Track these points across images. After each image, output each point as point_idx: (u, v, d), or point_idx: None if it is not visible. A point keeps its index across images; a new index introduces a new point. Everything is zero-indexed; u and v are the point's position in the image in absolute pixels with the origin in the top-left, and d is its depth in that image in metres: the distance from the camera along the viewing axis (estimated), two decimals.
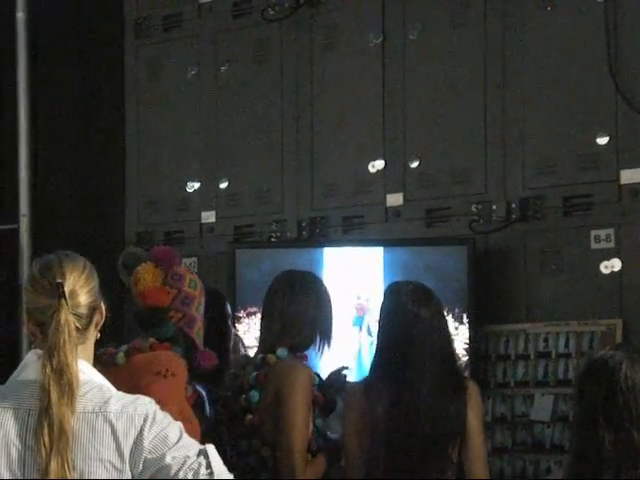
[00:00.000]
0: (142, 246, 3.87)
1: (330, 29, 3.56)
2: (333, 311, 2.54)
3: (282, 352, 2.41)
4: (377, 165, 3.43)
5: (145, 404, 1.61)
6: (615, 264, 3.00)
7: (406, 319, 2.41)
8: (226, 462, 2.24)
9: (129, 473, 1.56)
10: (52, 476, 1.51)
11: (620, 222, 3.03)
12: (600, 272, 3.03)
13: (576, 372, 2.87)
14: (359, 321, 3.28)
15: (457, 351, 3.08)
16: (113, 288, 4.31)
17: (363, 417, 2.40)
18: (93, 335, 1.68)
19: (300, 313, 2.45)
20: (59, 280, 1.60)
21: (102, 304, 1.70)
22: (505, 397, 3.13)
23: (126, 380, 2.19)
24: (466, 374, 3.05)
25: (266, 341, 2.47)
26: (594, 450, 1.73)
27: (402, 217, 3.39)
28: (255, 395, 2.39)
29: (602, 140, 3.06)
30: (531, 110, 3.20)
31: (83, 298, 1.63)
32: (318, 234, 3.55)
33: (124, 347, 2.28)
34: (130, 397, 1.61)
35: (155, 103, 3.90)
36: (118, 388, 2.20)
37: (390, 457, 2.38)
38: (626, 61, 3.05)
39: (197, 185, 3.79)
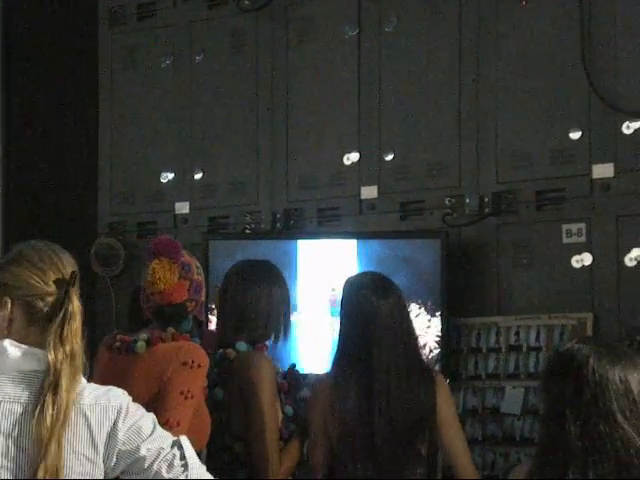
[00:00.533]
0: (115, 237, 3.86)
1: (306, 20, 3.55)
2: (289, 300, 2.52)
3: (241, 345, 2.40)
4: (352, 157, 3.43)
5: (119, 396, 1.60)
6: (586, 258, 3.03)
7: (365, 311, 2.40)
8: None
9: (102, 466, 1.56)
10: (49, 459, 1.51)
11: (591, 216, 3.06)
12: (571, 266, 3.05)
13: (543, 365, 2.90)
14: (335, 312, 3.28)
15: (429, 344, 3.13)
16: (85, 278, 4.29)
17: (332, 409, 2.40)
18: None
19: (253, 305, 2.42)
20: (71, 269, 1.66)
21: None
22: (476, 390, 3.15)
23: (147, 368, 2.20)
24: (437, 367, 3.08)
25: (223, 336, 2.44)
26: (561, 443, 1.74)
27: (376, 210, 3.40)
28: (219, 392, 2.38)
29: (575, 135, 3.08)
30: (505, 104, 3.22)
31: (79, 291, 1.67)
32: (292, 226, 3.54)
33: (143, 335, 2.27)
34: (103, 388, 1.60)
35: (129, 93, 3.87)
36: (137, 376, 2.21)
37: (361, 450, 2.39)
38: (599, 56, 3.07)
39: (171, 176, 3.77)
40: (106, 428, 1.56)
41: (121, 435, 1.56)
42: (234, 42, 3.68)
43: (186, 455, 1.60)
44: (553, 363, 1.83)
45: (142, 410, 1.62)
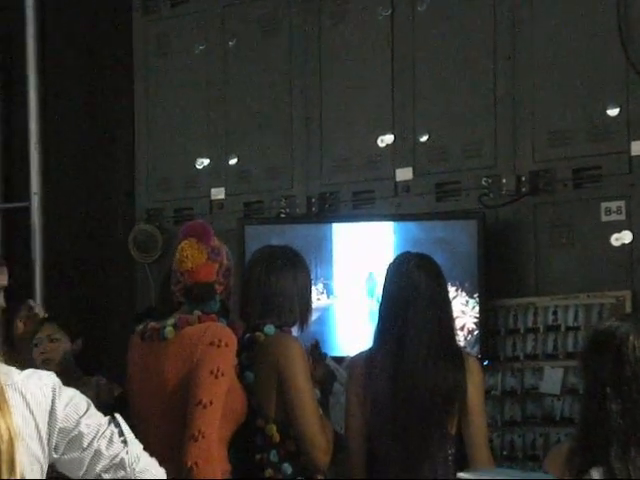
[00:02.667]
0: (152, 223, 3.89)
1: (338, 3, 3.54)
2: (311, 287, 2.53)
3: (269, 329, 2.40)
4: (386, 139, 3.42)
5: (48, 375, 1.55)
6: (626, 236, 2.98)
7: (405, 289, 2.41)
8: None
9: (46, 447, 1.51)
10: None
11: (631, 194, 3.01)
12: (610, 245, 3.01)
13: (582, 344, 2.87)
14: (371, 293, 3.28)
15: (467, 325, 3.11)
16: (124, 264, 4.36)
17: (365, 388, 2.41)
18: None
19: (279, 289, 2.43)
20: None
21: None
22: (515, 371, 3.13)
23: (177, 352, 2.24)
24: (476, 348, 3.07)
25: (250, 320, 2.45)
26: (602, 422, 1.73)
27: (412, 192, 3.38)
28: (249, 376, 2.39)
29: (613, 111, 3.03)
30: (541, 82, 3.17)
31: None
32: (327, 210, 3.54)
33: (170, 321, 2.30)
34: (28, 370, 1.54)
35: (164, 80, 3.89)
36: (169, 361, 2.24)
37: (391, 430, 2.39)
38: (637, 32, 3.01)
39: (206, 162, 3.79)
40: (44, 407, 1.51)
41: (60, 412, 1.52)
42: (266, 27, 3.68)
43: (124, 431, 1.57)
44: (592, 341, 1.81)
45: (72, 389, 1.57)
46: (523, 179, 3.18)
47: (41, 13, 4.04)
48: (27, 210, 4.01)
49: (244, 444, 2.37)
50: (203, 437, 2.14)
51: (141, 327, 2.39)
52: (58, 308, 4.00)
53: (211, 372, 2.18)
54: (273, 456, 2.38)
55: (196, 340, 2.23)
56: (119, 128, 4.03)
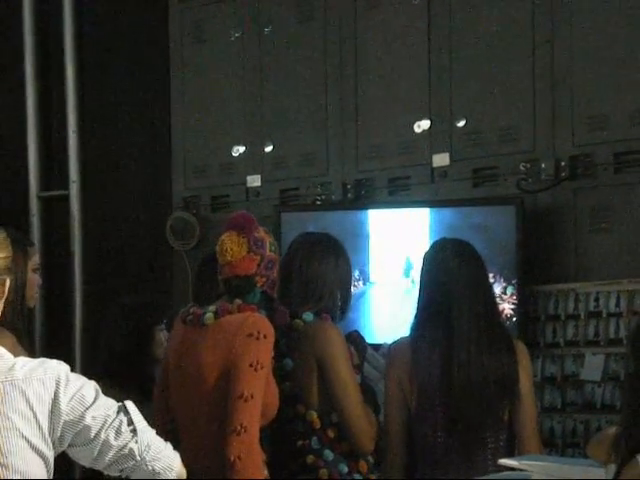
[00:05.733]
0: (189, 211, 3.91)
1: None
2: (351, 273, 2.53)
3: (308, 316, 2.41)
4: (423, 125, 3.39)
5: (53, 366, 1.52)
6: None
7: (446, 275, 2.40)
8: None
9: (49, 440, 1.49)
10: None
11: None
12: None
13: (629, 329, 2.84)
14: (408, 274, 3.27)
15: (506, 311, 3.09)
16: (162, 252, 4.39)
17: (409, 374, 2.41)
18: None
19: (318, 277, 2.43)
20: None
21: (7, 281, 1.55)
22: (555, 357, 3.10)
23: (215, 340, 2.25)
24: (514, 335, 3.05)
25: (289, 307, 2.45)
26: None
27: (448, 177, 3.36)
28: (289, 363, 2.39)
29: None
30: (580, 65, 3.13)
31: None
32: (363, 196, 3.53)
33: (211, 308, 2.31)
34: (35, 361, 1.52)
35: (200, 67, 3.90)
36: (206, 347, 2.25)
37: (443, 417, 2.39)
38: None
39: (242, 149, 3.80)
40: (47, 401, 1.48)
41: (64, 405, 1.49)
42: (302, 12, 3.67)
43: (134, 420, 1.54)
44: (639, 327, 1.79)
45: (83, 379, 1.54)
46: (562, 164, 3.14)
47: (77, 2, 4.07)
48: (66, 198, 4.05)
49: (283, 431, 2.38)
50: (245, 431, 2.15)
51: (184, 310, 2.40)
52: (96, 295, 4.05)
53: (251, 365, 2.19)
54: (314, 443, 2.39)
55: (235, 330, 2.24)
56: (156, 116, 4.05)
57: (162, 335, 3.00)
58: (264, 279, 2.32)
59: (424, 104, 3.40)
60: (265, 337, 2.22)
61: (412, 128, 3.41)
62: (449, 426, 2.38)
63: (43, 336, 4.06)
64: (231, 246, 2.29)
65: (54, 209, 4.16)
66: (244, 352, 2.20)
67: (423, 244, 3.16)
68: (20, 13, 4.17)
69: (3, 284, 1.53)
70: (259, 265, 2.30)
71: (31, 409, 1.48)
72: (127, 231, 4.11)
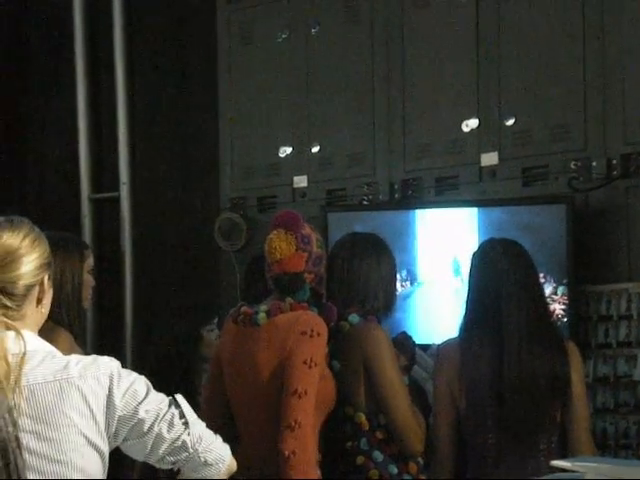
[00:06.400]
0: (236, 212, 3.94)
1: None
2: (396, 273, 2.51)
3: (354, 318, 2.40)
4: (471, 124, 3.37)
5: (106, 363, 1.55)
6: None
7: (495, 275, 2.38)
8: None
9: (105, 435, 1.52)
10: None
11: None
12: None
13: None
14: (458, 272, 3.25)
15: (557, 312, 3.05)
16: (210, 253, 4.43)
17: (459, 375, 2.39)
18: (36, 312, 1.55)
19: (362, 277, 2.42)
20: None
21: (46, 278, 1.56)
22: (607, 358, 3.05)
23: (269, 339, 2.27)
24: (566, 335, 3.01)
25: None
26: None
27: (497, 177, 3.33)
28: (336, 364, 2.39)
29: None
30: (632, 62, 3.08)
31: (15, 274, 1.50)
32: (410, 196, 3.52)
33: (263, 307, 2.33)
34: (88, 358, 1.55)
35: (247, 68, 3.92)
36: (260, 347, 2.27)
37: (496, 418, 2.37)
38: None
39: (289, 150, 3.81)
40: (102, 397, 1.51)
41: (118, 401, 1.51)
42: (349, 13, 3.67)
43: (185, 412, 1.56)
44: None
45: (134, 374, 1.56)
46: (614, 162, 3.09)
47: (127, 3, 4.12)
48: (116, 200, 4.11)
49: (333, 432, 2.38)
50: (299, 427, 2.16)
51: (234, 310, 2.42)
52: (147, 297, 4.10)
53: (304, 362, 2.20)
54: (364, 444, 2.38)
55: (288, 328, 2.25)
56: (204, 117, 4.08)
57: (211, 335, 3.03)
58: (312, 275, 2.34)
59: (472, 103, 3.37)
60: (318, 335, 2.24)
61: (460, 127, 3.38)
62: (500, 427, 2.36)
63: (95, 336, 4.13)
64: (279, 244, 2.30)
65: (105, 211, 4.23)
66: (298, 350, 2.21)
67: (471, 244, 3.14)
68: (71, 16, 4.25)
69: (42, 282, 1.56)
70: (307, 262, 2.32)
71: (87, 405, 1.50)
72: (176, 232, 4.15)
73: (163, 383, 2.50)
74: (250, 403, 2.33)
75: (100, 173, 4.26)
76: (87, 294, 2.58)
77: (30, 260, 1.53)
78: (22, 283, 1.52)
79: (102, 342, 4.11)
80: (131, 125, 4.11)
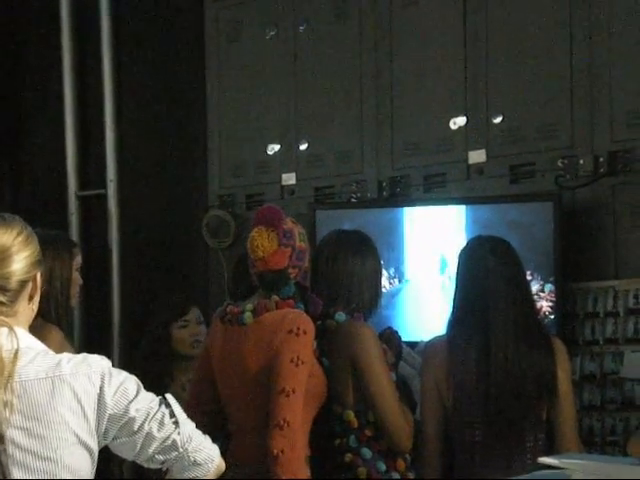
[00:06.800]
0: (224, 209, 3.94)
1: None
2: (381, 271, 2.51)
3: (340, 316, 2.41)
4: (459, 121, 3.38)
5: (97, 361, 1.55)
6: None
7: (482, 272, 2.39)
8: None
9: (95, 434, 1.52)
10: None
11: None
12: None
13: None
14: (444, 271, 3.26)
15: (543, 309, 3.06)
16: (198, 250, 4.42)
17: (446, 373, 2.40)
18: (27, 309, 1.57)
19: (346, 275, 2.42)
20: None
21: (38, 276, 1.57)
22: (594, 355, 3.07)
23: (256, 338, 2.27)
24: (553, 332, 3.02)
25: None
26: None
27: (485, 174, 3.34)
28: (324, 362, 2.39)
29: None
30: (619, 60, 3.09)
31: (8, 270, 1.51)
32: (399, 193, 3.52)
33: (249, 306, 2.32)
34: (79, 356, 1.55)
35: (235, 66, 3.92)
36: (247, 346, 2.27)
37: (481, 416, 2.37)
38: None
39: (277, 147, 3.81)
40: (93, 394, 1.51)
41: (109, 399, 1.52)
42: (337, 10, 3.67)
43: (175, 412, 1.56)
44: None
45: (124, 373, 1.57)
46: (601, 160, 3.10)
47: (115, 2, 4.11)
48: (104, 197, 4.10)
49: (322, 429, 2.39)
50: (288, 425, 2.17)
51: (221, 309, 2.42)
52: (134, 293, 4.09)
53: (291, 360, 2.20)
54: (352, 441, 2.39)
55: (275, 327, 2.25)
56: (192, 115, 4.07)
57: (183, 332, 3.02)
58: (296, 270, 2.33)
59: (460, 101, 3.38)
60: (305, 333, 2.24)
61: (448, 125, 3.39)
62: (486, 424, 2.37)
63: (82, 333, 4.11)
64: (261, 242, 2.30)
65: (92, 208, 4.21)
66: (284, 348, 2.21)
67: (459, 241, 3.15)
68: (57, 12, 4.23)
69: (35, 279, 1.56)
70: (290, 257, 2.31)
71: (79, 403, 1.50)
72: (164, 229, 4.14)
73: (148, 380, 2.50)
74: (239, 401, 2.33)
75: (87, 170, 4.25)
76: (75, 292, 2.58)
77: (23, 257, 1.53)
78: (15, 279, 1.53)
79: (89, 340, 4.10)
80: (118, 122, 4.09)
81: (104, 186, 4.11)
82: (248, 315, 2.30)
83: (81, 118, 4.25)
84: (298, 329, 2.23)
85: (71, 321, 2.77)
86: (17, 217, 1.57)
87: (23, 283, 1.54)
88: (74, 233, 4.13)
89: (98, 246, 4.12)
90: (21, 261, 1.53)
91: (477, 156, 3.34)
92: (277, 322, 2.25)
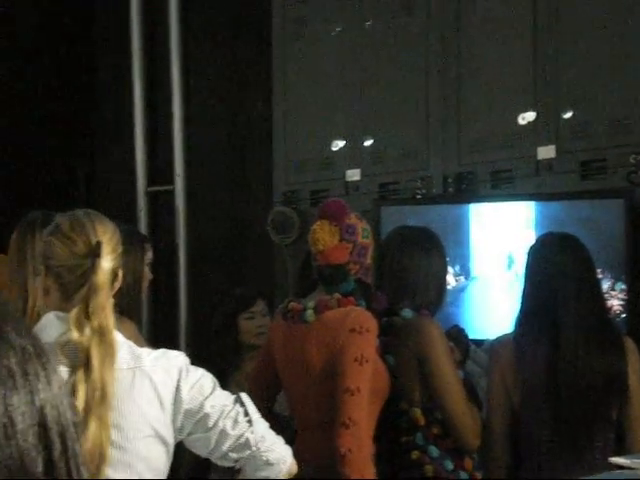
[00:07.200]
0: (289, 205, 3.95)
1: None
2: (446, 268, 2.48)
3: (407, 313, 2.38)
4: (527, 117, 3.32)
5: (176, 356, 1.57)
6: None
7: (551, 269, 2.34)
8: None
9: (171, 428, 1.52)
10: (90, 438, 1.42)
11: None
12: None
13: None
14: (511, 267, 3.21)
15: (614, 308, 2.99)
16: (263, 246, 4.45)
17: (514, 371, 2.36)
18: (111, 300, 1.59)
19: (412, 271, 2.40)
20: (99, 239, 1.53)
21: (120, 271, 1.61)
22: None
23: (319, 336, 2.27)
24: (624, 332, 2.95)
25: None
26: None
27: (554, 170, 3.27)
28: (390, 359, 2.37)
29: None
30: None
31: (109, 263, 1.56)
32: (465, 190, 3.48)
33: (310, 303, 2.32)
34: (159, 351, 1.57)
35: (301, 62, 3.92)
36: (310, 344, 2.28)
37: (551, 415, 2.34)
38: None
39: (342, 143, 3.80)
40: (170, 388, 1.53)
41: (185, 394, 1.53)
42: (404, 5, 3.64)
43: (249, 411, 1.57)
44: None
45: (201, 370, 1.58)
46: None
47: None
48: (171, 193, 4.15)
49: (388, 427, 2.38)
50: (354, 424, 2.16)
51: (282, 306, 2.42)
52: (200, 288, 4.14)
53: (355, 359, 2.19)
54: (419, 439, 2.37)
55: (337, 326, 2.24)
56: (257, 112, 4.10)
57: (249, 323, 3.05)
58: (357, 266, 2.31)
59: (529, 95, 3.32)
60: (368, 331, 2.22)
61: (516, 120, 3.34)
62: (556, 424, 2.33)
63: (150, 328, 4.18)
64: (322, 235, 2.29)
65: (160, 203, 4.28)
66: (348, 347, 2.20)
67: (527, 238, 3.10)
68: (127, 11, 4.30)
69: (117, 276, 1.60)
70: (351, 253, 2.29)
71: (157, 396, 1.53)
72: (229, 225, 4.18)
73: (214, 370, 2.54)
74: (304, 398, 2.34)
75: (156, 166, 4.31)
76: (145, 286, 2.62)
77: (113, 251, 1.59)
78: (107, 273, 1.57)
79: (156, 334, 4.16)
80: (186, 119, 4.15)
81: (172, 182, 4.16)
82: (310, 313, 2.30)
83: (150, 116, 4.31)
84: (361, 327, 2.21)
85: (140, 316, 2.81)
86: (99, 213, 1.62)
87: (115, 275, 1.59)
88: (143, 229, 4.20)
89: (165, 241, 4.18)
90: (110, 254, 1.57)
91: (546, 152, 3.28)
92: (339, 320, 2.24)
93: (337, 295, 2.29)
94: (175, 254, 4.13)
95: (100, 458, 1.42)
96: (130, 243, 2.55)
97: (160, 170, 4.30)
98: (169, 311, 4.15)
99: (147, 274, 2.63)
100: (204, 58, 4.21)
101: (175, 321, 4.12)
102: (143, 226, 4.24)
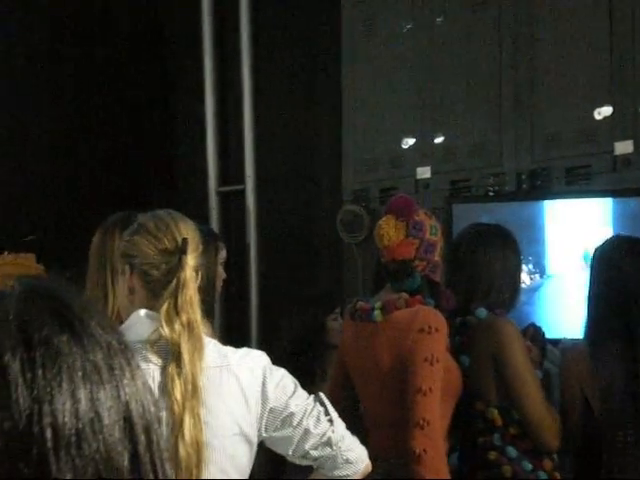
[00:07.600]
0: (359, 204, 3.94)
1: None
2: (521, 267, 2.43)
3: (481, 312, 2.34)
4: (604, 111, 3.24)
5: (259, 356, 1.58)
6: None
7: (620, 275, 2.27)
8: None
9: (255, 426, 1.53)
10: (187, 432, 1.44)
11: None
12: None
13: None
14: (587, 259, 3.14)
15: None
16: (333, 244, 4.44)
17: (591, 376, 2.31)
18: None
19: (486, 269, 2.35)
20: (184, 236, 1.55)
21: (200, 270, 1.64)
22: None
23: (388, 336, 2.25)
24: None
25: (458, 303, 2.38)
26: None
27: (633, 165, 3.19)
28: (465, 359, 2.34)
29: None
30: None
31: (193, 260, 1.58)
32: (539, 186, 3.42)
33: (378, 303, 2.31)
34: (242, 350, 1.58)
35: (370, 60, 3.91)
36: (379, 343, 2.27)
37: (628, 416, 2.28)
38: None
39: (412, 141, 3.78)
40: (256, 387, 1.54)
41: (270, 393, 1.54)
42: (475, 1, 3.60)
43: (329, 410, 1.59)
44: None
45: (282, 370, 1.59)
46: None
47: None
48: (242, 193, 4.19)
49: (464, 427, 2.35)
50: (428, 424, 2.14)
51: (350, 306, 2.41)
52: (270, 287, 4.16)
53: (426, 359, 2.17)
54: (497, 439, 2.34)
55: (406, 326, 2.22)
56: (327, 110, 4.10)
57: (335, 324, 3.06)
58: (424, 263, 2.28)
59: (605, 89, 3.24)
60: (437, 330, 2.20)
61: (592, 115, 3.26)
62: (637, 428, 2.26)
63: (221, 327, 4.22)
64: (388, 231, 2.27)
65: (231, 203, 4.32)
66: (418, 348, 2.18)
67: (604, 236, 3.02)
68: (199, 12, 4.35)
69: (197, 274, 1.62)
70: (418, 249, 2.26)
71: (244, 395, 1.54)
72: (299, 223, 4.19)
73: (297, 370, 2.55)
74: (375, 397, 2.32)
75: (227, 167, 4.35)
76: (219, 286, 2.64)
77: (199, 248, 1.62)
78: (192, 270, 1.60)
79: (228, 333, 4.20)
80: (256, 120, 4.18)
81: (242, 182, 4.20)
82: (378, 313, 2.28)
83: (221, 117, 4.36)
84: (430, 327, 2.19)
85: (213, 315, 2.84)
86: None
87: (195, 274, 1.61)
88: (214, 228, 4.24)
89: (236, 240, 4.21)
90: (193, 252, 1.60)
91: (624, 147, 3.20)
92: (408, 320, 2.22)
93: (405, 295, 2.27)
94: (246, 253, 4.16)
95: (198, 455, 1.44)
96: (204, 242, 2.57)
97: (231, 170, 4.34)
98: (240, 311, 4.19)
99: (221, 273, 2.65)
100: (274, 59, 4.23)
101: (246, 320, 4.15)
102: (214, 226, 4.28)
